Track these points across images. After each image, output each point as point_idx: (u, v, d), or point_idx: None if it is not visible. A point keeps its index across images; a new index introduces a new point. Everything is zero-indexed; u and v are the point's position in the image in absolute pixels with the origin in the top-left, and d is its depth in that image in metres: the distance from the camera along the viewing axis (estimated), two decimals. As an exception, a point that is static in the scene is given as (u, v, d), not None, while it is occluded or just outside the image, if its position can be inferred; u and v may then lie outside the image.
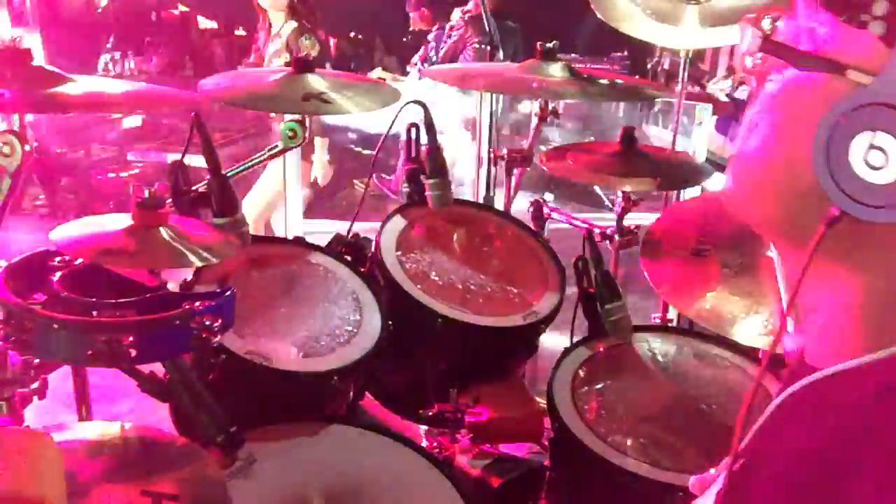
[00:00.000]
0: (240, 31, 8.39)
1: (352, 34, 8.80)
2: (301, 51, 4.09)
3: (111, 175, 5.61)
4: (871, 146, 0.55)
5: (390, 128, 2.05)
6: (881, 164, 0.55)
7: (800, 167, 0.60)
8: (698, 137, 4.05)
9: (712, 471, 0.85)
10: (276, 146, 1.94)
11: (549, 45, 2.10)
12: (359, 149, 6.17)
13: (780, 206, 0.66)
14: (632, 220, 2.22)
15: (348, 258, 1.88)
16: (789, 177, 0.63)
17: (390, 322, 1.73)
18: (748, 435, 0.72)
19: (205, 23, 8.89)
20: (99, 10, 7.33)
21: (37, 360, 1.33)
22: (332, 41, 7.70)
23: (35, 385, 1.32)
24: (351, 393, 1.81)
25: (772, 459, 0.67)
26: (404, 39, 7.55)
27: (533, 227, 2.20)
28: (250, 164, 1.97)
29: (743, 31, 0.66)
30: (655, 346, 1.89)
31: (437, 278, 1.91)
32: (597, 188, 4.84)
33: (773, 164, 0.65)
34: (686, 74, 2.70)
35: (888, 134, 0.55)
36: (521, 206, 2.44)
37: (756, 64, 0.66)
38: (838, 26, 0.59)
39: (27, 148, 1.47)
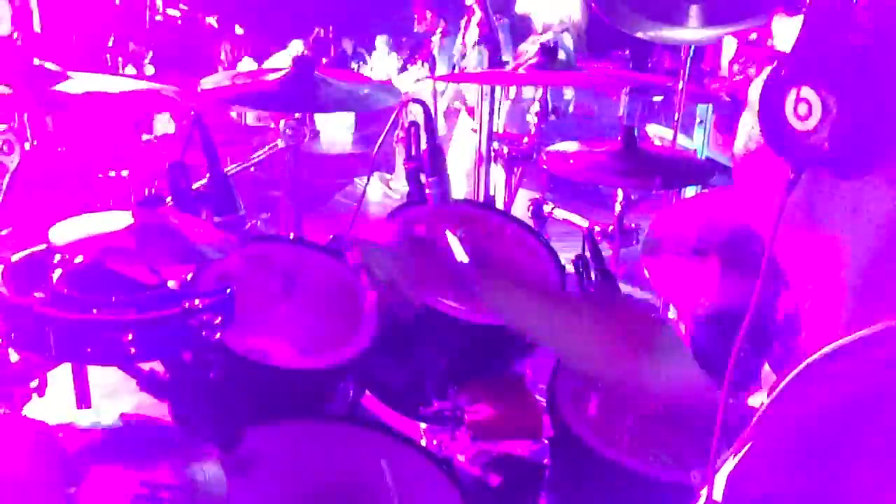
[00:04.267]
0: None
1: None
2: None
3: (112, 173, 5.60)
4: (798, 99, 0.66)
5: (389, 126, 2.05)
6: (806, 113, 0.66)
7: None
8: (699, 136, 4.06)
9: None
10: (277, 144, 1.95)
11: (550, 43, 2.10)
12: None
13: (764, 192, 0.74)
14: (632, 218, 2.23)
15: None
16: (766, 163, 0.71)
17: (389, 320, 1.73)
18: (754, 419, 0.73)
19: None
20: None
21: (37, 358, 1.33)
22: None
23: (35, 383, 1.32)
24: (350, 391, 1.82)
25: (779, 441, 0.68)
26: (403, 39, 7.55)
27: (533, 226, 2.20)
28: (250, 162, 1.98)
29: (724, 39, 0.76)
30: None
31: (436, 276, 1.91)
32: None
33: (754, 155, 0.74)
34: (688, 73, 2.70)
35: (806, 86, 0.65)
36: (522, 204, 2.45)
37: (737, 68, 0.75)
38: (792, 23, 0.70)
39: (27, 147, 1.47)
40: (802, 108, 0.66)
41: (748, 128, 0.75)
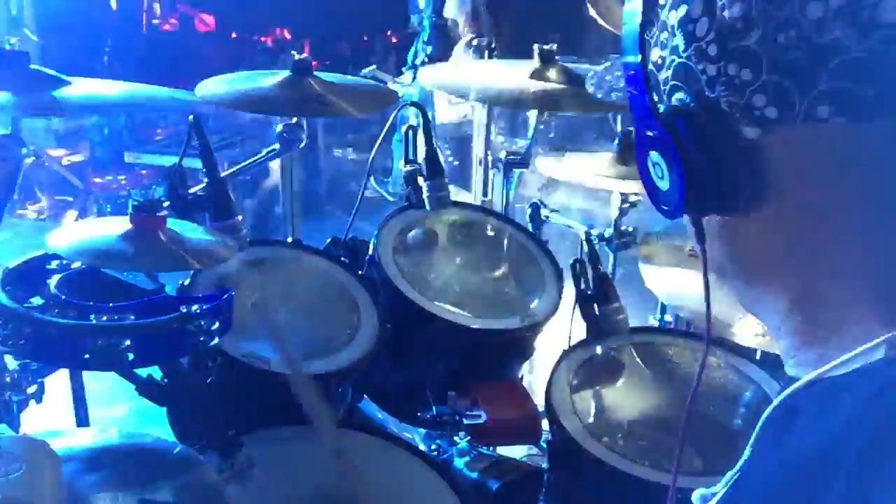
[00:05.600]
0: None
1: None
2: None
3: (109, 178, 5.59)
4: (652, 163, 0.69)
5: (386, 129, 2.05)
6: (662, 174, 0.69)
7: None
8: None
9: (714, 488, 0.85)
10: (275, 149, 1.95)
11: (548, 47, 2.08)
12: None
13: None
14: (629, 221, 2.23)
15: (346, 261, 1.88)
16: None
17: (388, 324, 1.73)
18: (745, 450, 0.72)
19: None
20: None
21: (34, 364, 1.33)
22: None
23: (32, 389, 1.31)
24: (349, 396, 1.81)
25: (763, 475, 0.67)
26: (399, 38, 7.55)
27: (530, 229, 2.20)
28: (247, 166, 1.98)
29: None
30: (653, 348, 1.89)
31: (434, 280, 1.91)
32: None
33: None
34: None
35: (653, 150, 0.69)
36: (519, 207, 2.44)
37: None
38: None
39: (24, 151, 1.47)
40: (658, 171, 0.69)
41: None
